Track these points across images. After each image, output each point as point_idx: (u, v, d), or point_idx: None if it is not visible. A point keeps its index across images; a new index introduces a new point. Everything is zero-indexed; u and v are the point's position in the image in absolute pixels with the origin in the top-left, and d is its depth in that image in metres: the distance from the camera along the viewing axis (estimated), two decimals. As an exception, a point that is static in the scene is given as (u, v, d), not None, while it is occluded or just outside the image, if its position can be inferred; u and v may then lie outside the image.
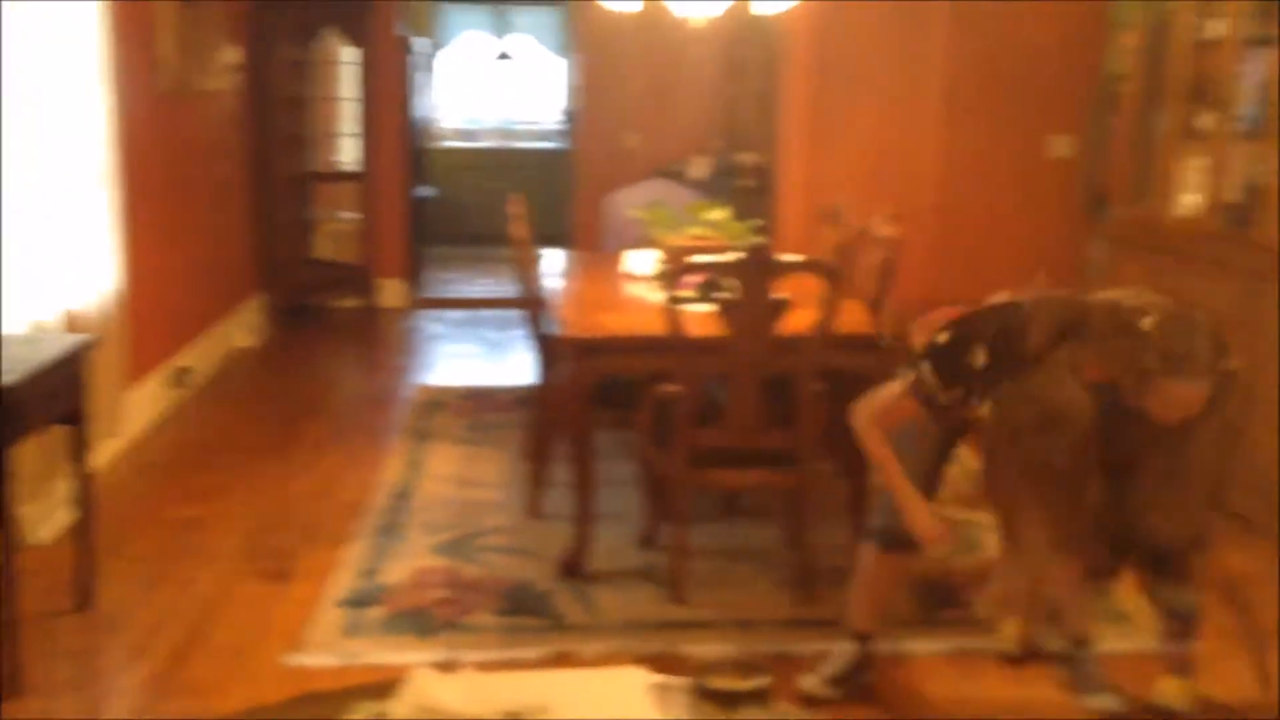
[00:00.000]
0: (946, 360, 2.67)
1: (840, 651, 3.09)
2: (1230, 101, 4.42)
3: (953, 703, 3.07)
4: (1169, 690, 3.00)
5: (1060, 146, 6.22)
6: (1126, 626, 3.41)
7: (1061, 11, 6.04)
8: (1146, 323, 2.46)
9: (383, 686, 1.76)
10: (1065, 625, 3.15)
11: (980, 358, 2.62)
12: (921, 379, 2.69)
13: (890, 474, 2.83)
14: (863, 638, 3.09)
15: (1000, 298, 2.79)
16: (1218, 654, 3.29)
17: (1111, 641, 3.29)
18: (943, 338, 2.69)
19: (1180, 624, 2.97)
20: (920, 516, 2.83)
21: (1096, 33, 6.07)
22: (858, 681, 3.07)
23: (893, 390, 2.78)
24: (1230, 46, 4.43)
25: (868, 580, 3.07)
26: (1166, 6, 4.88)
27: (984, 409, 2.63)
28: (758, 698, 1.45)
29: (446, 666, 3.01)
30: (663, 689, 1.77)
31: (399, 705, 1.64)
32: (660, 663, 3.09)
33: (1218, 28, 4.52)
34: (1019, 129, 6.18)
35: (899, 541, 2.97)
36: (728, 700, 1.45)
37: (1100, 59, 6.06)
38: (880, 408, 2.81)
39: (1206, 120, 4.59)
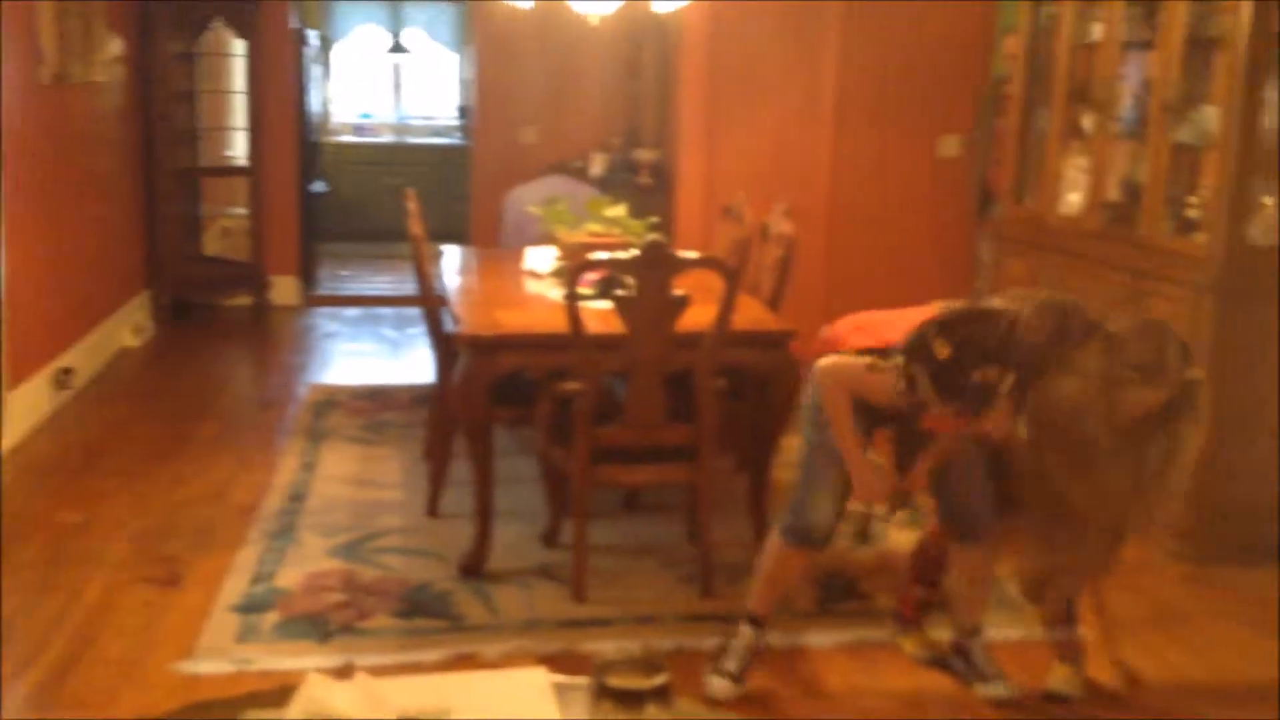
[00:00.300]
0: (948, 377, 2.60)
1: (738, 641, 3.12)
2: (1110, 103, 4.55)
3: (851, 693, 3.12)
4: (1059, 676, 3.09)
5: (950, 146, 6.35)
6: (1013, 614, 3.48)
7: (952, 14, 6.17)
8: (1115, 328, 2.50)
9: (275, 694, 1.73)
10: (957, 615, 3.21)
11: (994, 376, 2.55)
12: (914, 386, 2.63)
13: (844, 434, 2.85)
14: (759, 622, 3.13)
15: (955, 305, 2.73)
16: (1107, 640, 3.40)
17: (1002, 629, 3.36)
18: (943, 353, 2.61)
19: (1062, 610, 3.06)
20: (868, 476, 2.88)
21: (985, 35, 6.22)
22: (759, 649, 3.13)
23: (873, 374, 2.73)
24: (1109, 49, 4.56)
25: (771, 570, 3.11)
26: (1050, 9, 5.01)
27: (1020, 428, 2.54)
28: (658, 696, 1.46)
29: (343, 671, 2.97)
30: (564, 689, 1.76)
31: (291, 713, 1.61)
32: (562, 662, 3.09)
33: (1099, 31, 4.65)
34: (911, 129, 6.30)
35: (806, 538, 3.01)
36: (628, 699, 1.45)
37: (989, 61, 6.22)
38: (854, 380, 2.80)
39: (1088, 121, 4.73)
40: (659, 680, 1.46)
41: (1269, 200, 3.96)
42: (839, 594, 3.65)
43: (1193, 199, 4.17)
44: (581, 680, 1.57)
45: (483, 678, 2.13)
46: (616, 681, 1.46)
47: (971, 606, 3.18)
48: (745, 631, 3.13)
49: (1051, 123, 4.95)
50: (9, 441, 4.62)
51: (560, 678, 1.84)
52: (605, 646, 3.24)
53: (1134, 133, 4.48)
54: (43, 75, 5.15)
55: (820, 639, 3.35)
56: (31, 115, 5.03)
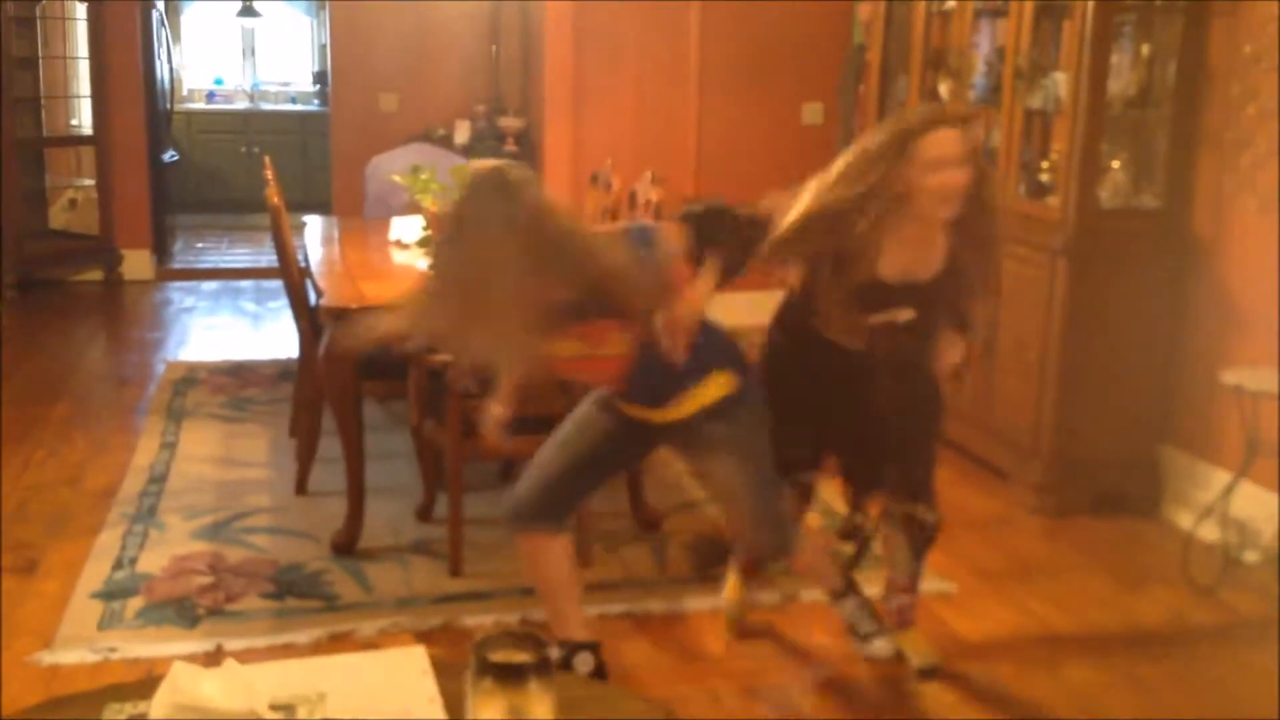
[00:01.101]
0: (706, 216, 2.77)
1: (580, 665, 2.81)
2: (965, 70, 4.66)
3: (729, 656, 3.15)
4: (910, 648, 3.11)
5: (814, 113, 6.43)
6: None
7: (813, -19, 6.24)
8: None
9: (139, 686, 1.67)
10: (821, 580, 3.22)
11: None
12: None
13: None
14: (584, 644, 2.83)
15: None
16: (977, 592, 3.51)
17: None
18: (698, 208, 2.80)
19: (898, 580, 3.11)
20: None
21: (847, 4, 6.30)
22: (603, 674, 2.83)
23: None
24: (964, 17, 4.66)
25: (548, 579, 2.82)
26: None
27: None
28: (539, 670, 1.45)
29: (212, 657, 2.90)
30: (443, 667, 1.74)
31: (157, 707, 1.55)
32: (440, 638, 3.07)
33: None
34: (775, 96, 6.36)
35: (538, 513, 2.75)
36: (508, 674, 1.44)
37: (850, 29, 6.30)
38: None
39: (944, 88, 4.83)
40: (540, 654, 1.46)
41: (1117, 163, 4.11)
42: (715, 559, 3.68)
43: (1045, 163, 4.30)
44: (460, 657, 1.55)
45: (359, 659, 2.09)
46: (496, 657, 1.45)
47: (825, 578, 3.14)
48: (581, 660, 2.80)
49: (909, 90, 5.04)
50: None
51: (439, 655, 1.82)
52: (484, 620, 3.22)
53: (988, 99, 4.59)
54: None
55: (698, 604, 3.38)
56: None
